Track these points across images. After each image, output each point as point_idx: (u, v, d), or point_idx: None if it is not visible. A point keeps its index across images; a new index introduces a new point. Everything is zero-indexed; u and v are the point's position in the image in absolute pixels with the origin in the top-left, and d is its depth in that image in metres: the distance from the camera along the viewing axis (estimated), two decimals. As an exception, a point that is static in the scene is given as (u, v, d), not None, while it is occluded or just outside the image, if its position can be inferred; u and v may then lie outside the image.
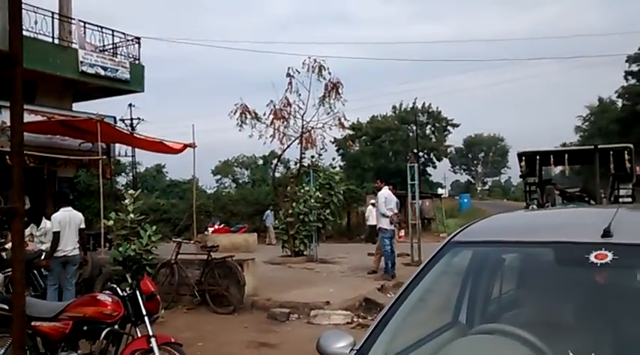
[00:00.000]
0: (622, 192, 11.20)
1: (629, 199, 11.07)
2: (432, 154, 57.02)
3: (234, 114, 15.57)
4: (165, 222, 26.40)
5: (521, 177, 11.88)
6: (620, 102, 38.85)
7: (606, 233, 2.00)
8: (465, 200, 47.78)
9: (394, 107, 56.29)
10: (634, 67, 37.19)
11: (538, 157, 11.01)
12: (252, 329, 8.19)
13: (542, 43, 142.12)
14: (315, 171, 15.95)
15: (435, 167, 59.34)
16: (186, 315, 9.19)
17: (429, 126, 57.76)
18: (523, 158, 11.21)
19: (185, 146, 13.83)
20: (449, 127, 57.96)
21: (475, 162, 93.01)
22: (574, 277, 2.31)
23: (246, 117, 15.46)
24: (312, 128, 15.52)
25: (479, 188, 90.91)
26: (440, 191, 67.91)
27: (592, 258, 1.96)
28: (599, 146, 10.57)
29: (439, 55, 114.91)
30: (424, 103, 56.26)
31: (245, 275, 9.29)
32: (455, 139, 68.85)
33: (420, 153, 54.59)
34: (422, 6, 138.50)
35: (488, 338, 2.16)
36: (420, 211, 24.40)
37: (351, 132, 33.00)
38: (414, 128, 51.63)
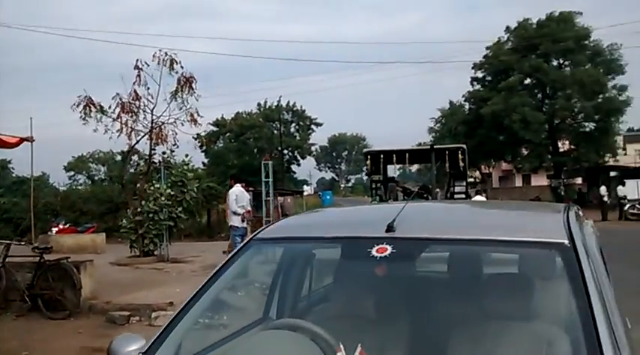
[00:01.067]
0: (457, 188, 12.01)
1: (463, 195, 11.90)
2: (296, 152, 57.93)
3: (77, 106, 14.61)
4: (5, 223, 24.23)
5: (366, 174, 12.40)
6: (467, 106, 42.01)
7: (389, 228, 2.08)
8: (328, 197, 48.92)
9: (259, 104, 56.52)
10: (479, 74, 40.37)
11: (382, 156, 11.51)
12: (87, 334, 7.71)
13: (403, 48, 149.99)
14: (168, 168, 15.43)
15: (299, 165, 60.38)
16: (15, 323, 8.47)
17: (293, 124, 58.62)
18: (369, 157, 11.67)
19: (22, 140, 12.67)
20: (313, 126, 59.25)
21: (339, 160, 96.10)
22: (360, 271, 2.40)
23: (90, 111, 14.55)
24: (163, 123, 15.00)
25: (342, 185, 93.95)
26: (305, 188, 69.03)
27: (374, 251, 2.03)
28: (435, 146, 11.29)
29: (305, 55, 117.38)
30: (289, 102, 57.09)
31: (82, 277, 8.73)
32: (320, 138, 70.47)
33: (285, 151, 55.18)
34: (289, 5, 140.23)
35: (275, 334, 2.17)
36: (282, 208, 24.73)
37: (206, 129, 32.34)
38: (279, 126, 52.10)
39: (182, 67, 14.83)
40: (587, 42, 35.58)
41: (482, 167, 50.78)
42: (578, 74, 33.91)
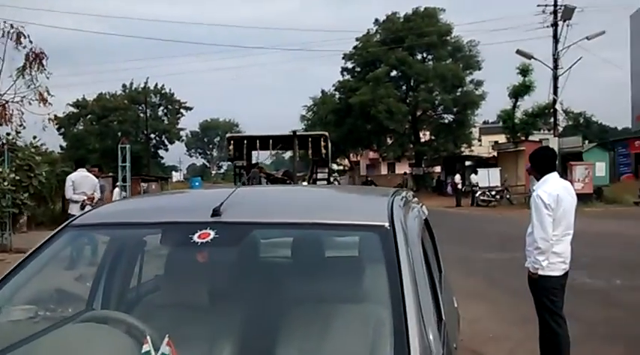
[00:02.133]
0: (319, 175, 12.12)
1: (325, 182, 12.04)
2: (164, 137, 55.89)
3: None
4: None
5: (229, 160, 12.13)
6: (337, 95, 42.88)
7: (215, 212, 2.01)
8: (197, 183, 47.91)
9: (124, 86, 53.68)
10: (349, 64, 41.34)
11: (245, 141, 11.28)
12: None
13: (277, 34, 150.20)
14: (13, 151, 14.05)
15: (167, 150, 58.32)
16: None
17: (161, 107, 56.45)
18: (232, 142, 11.39)
19: None
20: (182, 110, 57.48)
21: (211, 146, 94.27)
22: (184, 258, 2.31)
23: None
24: (7, 102, 13.65)
25: (214, 171, 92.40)
26: (174, 174, 66.89)
27: (195, 237, 1.96)
28: (298, 133, 11.27)
29: (176, 37, 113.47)
30: (157, 84, 54.84)
31: None
32: (190, 123, 68.67)
33: (152, 135, 53.01)
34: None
35: (82, 327, 2.05)
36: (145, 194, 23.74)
37: (65, 110, 30.19)
38: (145, 108, 49.89)
39: (31, 42, 13.70)
40: (448, 38, 37.73)
41: (351, 155, 52.31)
42: (440, 68, 35.90)
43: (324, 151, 11.37)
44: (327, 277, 2.21)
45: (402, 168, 53.55)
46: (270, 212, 2.24)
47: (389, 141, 40.57)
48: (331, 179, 13.23)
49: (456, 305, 3.60)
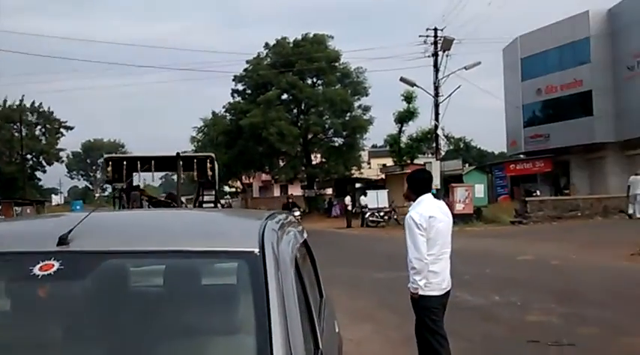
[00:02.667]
0: (206, 197, 11.74)
1: (212, 204, 11.68)
2: (41, 157, 52.37)
3: None
4: None
5: (107, 182, 11.47)
6: (228, 116, 42.43)
7: (62, 240, 1.81)
8: (78, 207, 45.20)
9: (-3, 103, 49.83)
10: (239, 86, 41.15)
11: (125, 163, 10.68)
12: None
13: (167, 54, 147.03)
14: None
15: (44, 171, 54.64)
16: None
17: (38, 127, 52.94)
18: (110, 163, 10.73)
19: None
20: (62, 129, 54.23)
21: (94, 167, 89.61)
22: (23, 293, 2.00)
23: None
24: None
25: (97, 194, 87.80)
26: (54, 197, 62.80)
27: (36, 269, 1.76)
28: (182, 154, 10.86)
29: (57, 53, 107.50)
30: (33, 102, 51.42)
31: None
32: (72, 143, 64.91)
33: (28, 156, 49.55)
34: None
35: None
36: (17, 220, 21.90)
37: None
38: (20, 127, 46.55)
39: None
40: (337, 64, 38.65)
41: (244, 177, 51.85)
42: (329, 93, 36.67)
43: (210, 173, 11.01)
44: (191, 308, 2.01)
45: (295, 190, 53.92)
46: (125, 239, 2.03)
47: (281, 163, 40.66)
48: (223, 201, 12.88)
49: (337, 330, 3.48)
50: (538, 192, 33.84)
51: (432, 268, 4.53)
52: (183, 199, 12.17)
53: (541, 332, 6.69)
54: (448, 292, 4.73)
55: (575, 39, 34.61)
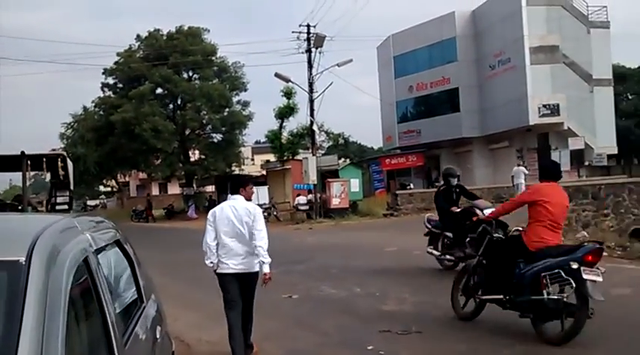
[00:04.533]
0: (59, 199, 10.93)
1: (66, 206, 10.92)
2: None
3: None
4: None
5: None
6: (99, 112, 40.07)
7: None
8: None
9: None
10: (110, 80, 39.02)
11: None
12: None
13: (38, 45, 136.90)
14: None
15: None
16: None
17: None
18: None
19: None
20: None
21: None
22: None
23: None
24: None
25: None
26: None
27: None
28: (29, 153, 9.97)
29: None
30: None
31: None
32: None
33: None
34: None
35: None
36: None
37: None
38: None
39: None
40: (214, 58, 37.84)
41: (119, 175, 49.47)
42: (206, 88, 35.78)
43: (62, 172, 10.21)
44: None
45: (174, 189, 52.31)
46: None
47: (157, 160, 39.04)
48: (95, 202, 11.99)
49: (159, 336, 3.27)
50: (412, 186, 35.38)
51: (220, 251, 5.68)
52: (34, 202, 11.20)
53: (394, 321, 6.85)
54: (242, 273, 5.64)
55: (443, 38, 36.55)
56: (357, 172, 33.48)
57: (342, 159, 48.22)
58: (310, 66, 24.55)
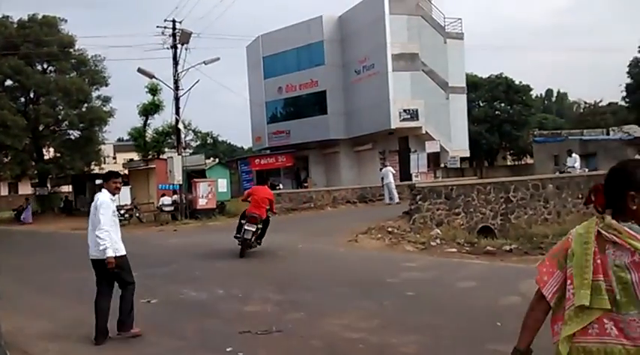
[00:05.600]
0: None
1: None
2: None
3: None
4: None
5: None
6: None
7: None
8: None
9: None
10: None
11: None
12: None
13: None
14: None
15: None
16: None
17: None
18: None
19: None
20: None
21: None
22: None
23: None
24: None
25: None
26: None
27: None
28: None
29: None
30: None
31: None
32: None
33: None
34: None
35: None
36: None
37: None
38: None
39: None
40: (71, 50, 35.42)
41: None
42: (63, 81, 33.33)
43: None
44: None
45: (25, 189, 48.31)
46: None
47: (7, 158, 35.66)
48: None
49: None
50: (281, 186, 35.61)
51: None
52: None
53: (256, 321, 6.80)
54: (96, 259, 6.36)
55: (311, 41, 37.22)
56: (225, 172, 33.11)
57: (211, 159, 47.53)
58: (176, 62, 23.77)
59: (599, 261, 2.14)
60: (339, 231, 14.99)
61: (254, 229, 11.91)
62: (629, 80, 39.41)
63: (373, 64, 33.87)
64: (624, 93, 40.54)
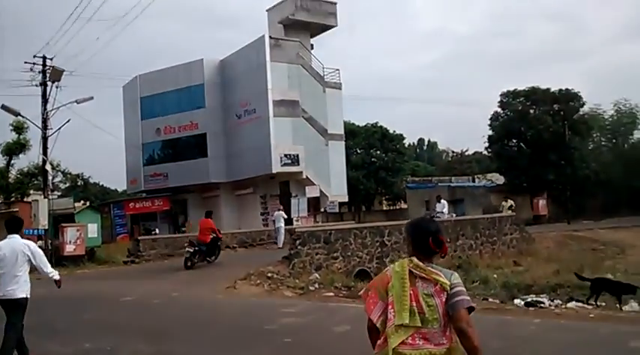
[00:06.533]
0: None
1: None
2: None
3: None
4: None
5: None
6: None
7: None
8: None
9: None
10: None
11: None
12: None
13: None
14: None
15: None
16: None
17: None
18: None
19: None
20: None
21: None
22: None
23: None
24: None
25: None
26: None
27: None
28: None
29: None
30: None
31: None
32: None
33: None
34: None
35: None
36: None
37: None
38: None
39: None
40: None
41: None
42: None
43: None
44: None
45: None
46: None
47: None
48: None
49: None
50: (157, 231, 34.42)
51: None
52: None
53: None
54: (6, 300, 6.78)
55: (191, 84, 36.87)
56: (96, 216, 31.41)
57: (82, 202, 44.98)
58: (45, 100, 22.43)
59: (411, 292, 2.92)
60: (217, 277, 14.65)
61: (192, 250, 16.88)
62: (490, 132, 42.75)
63: (255, 109, 34.15)
64: (487, 144, 43.83)
